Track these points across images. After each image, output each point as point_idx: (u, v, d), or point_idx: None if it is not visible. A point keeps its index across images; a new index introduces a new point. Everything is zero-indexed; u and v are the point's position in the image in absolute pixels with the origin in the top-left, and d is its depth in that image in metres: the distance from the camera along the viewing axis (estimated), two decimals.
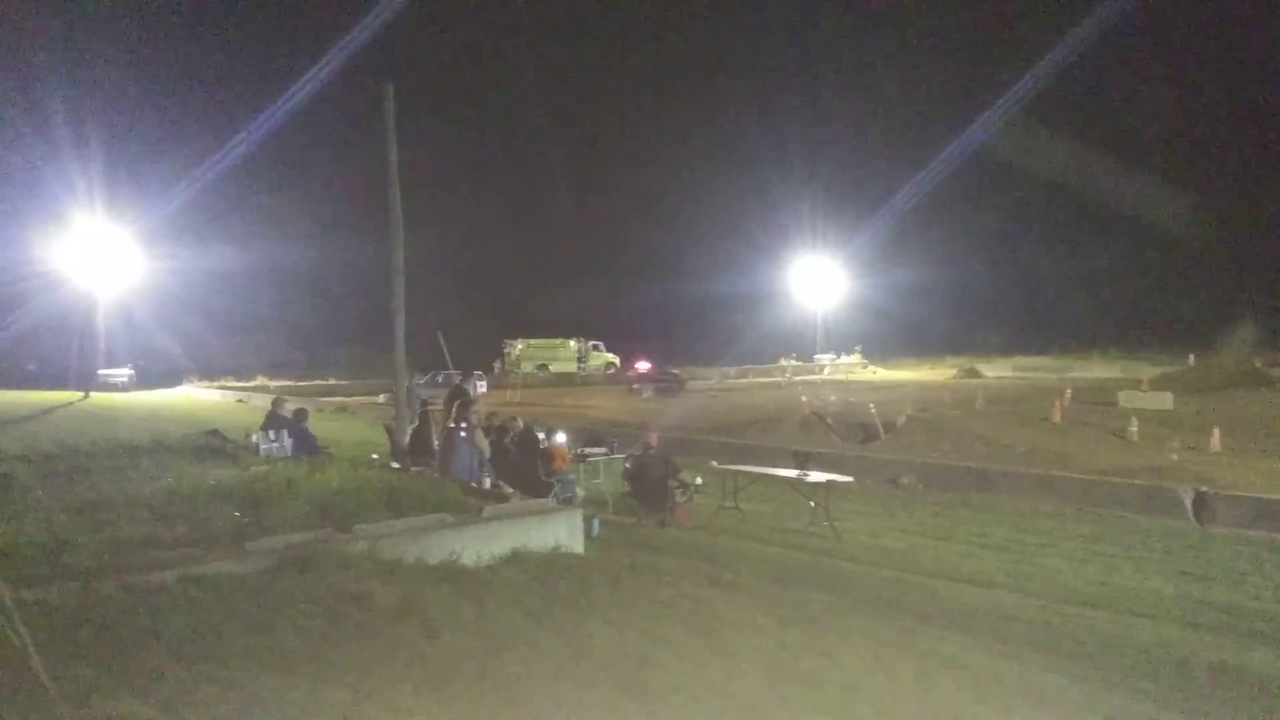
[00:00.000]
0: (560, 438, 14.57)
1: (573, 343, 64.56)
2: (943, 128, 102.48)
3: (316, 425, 17.45)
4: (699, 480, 13.68)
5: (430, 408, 15.26)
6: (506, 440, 13.36)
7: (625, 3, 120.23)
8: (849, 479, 14.30)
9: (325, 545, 7.26)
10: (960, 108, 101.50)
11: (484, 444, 11.93)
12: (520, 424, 14.17)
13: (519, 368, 60.85)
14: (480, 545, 8.50)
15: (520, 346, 63.62)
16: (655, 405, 37.80)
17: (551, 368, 62.17)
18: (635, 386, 45.84)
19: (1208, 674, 7.07)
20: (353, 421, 29.63)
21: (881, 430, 24.20)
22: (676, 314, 77.42)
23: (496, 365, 60.97)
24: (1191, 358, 53.18)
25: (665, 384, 44.88)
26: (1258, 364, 47.67)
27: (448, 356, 27.14)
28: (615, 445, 16.04)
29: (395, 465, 12.96)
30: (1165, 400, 30.90)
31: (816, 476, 13.53)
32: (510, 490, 11.07)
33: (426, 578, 7.24)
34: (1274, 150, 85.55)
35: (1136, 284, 79.89)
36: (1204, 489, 14.05)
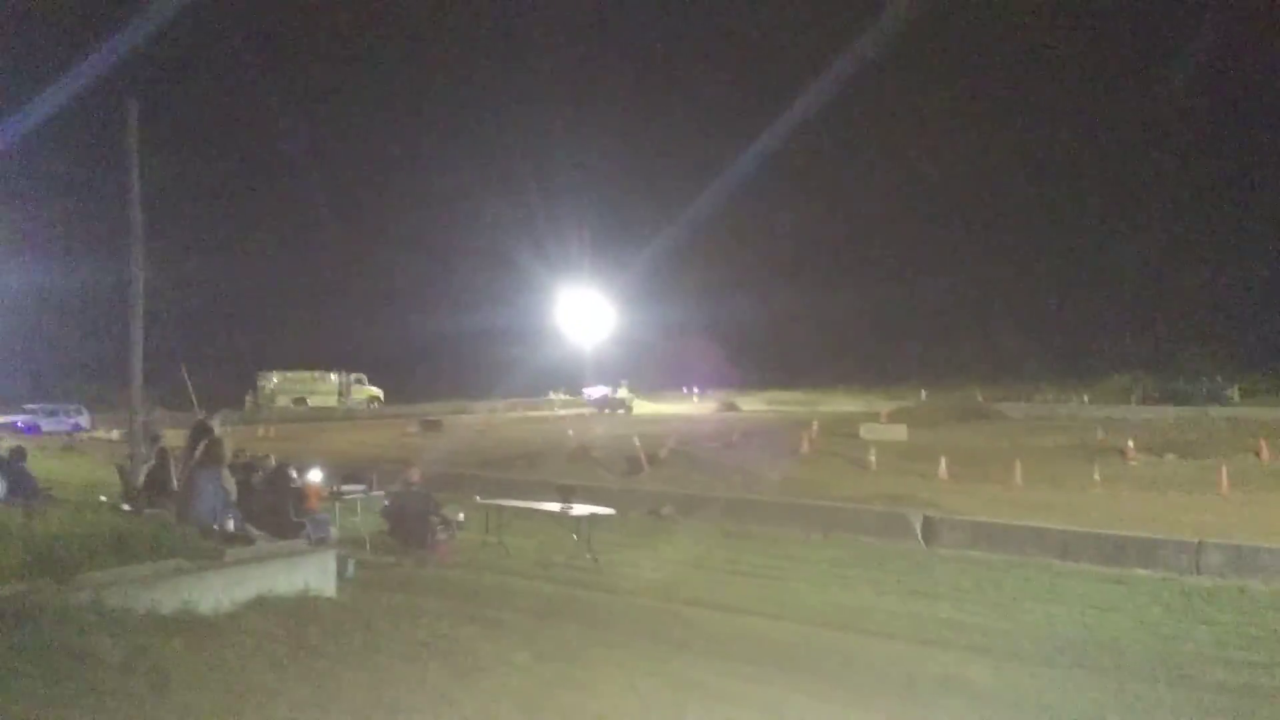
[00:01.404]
0: (314, 475, 13.95)
1: (334, 375, 62.09)
2: (705, 168, 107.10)
3: (38, 464, 15.85)
4: (461, 516, 13.47)
5: (169, 444, 14.23)
6: (255, 479, 12.65)
7: (392, 32, 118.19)
8: (611, 511, 14.50)
9: (41, 597, 6.60)
10: (721, 149, 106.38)
11: (230, 483, 11.22)
12: (272, 461, 13.46)
13: (274, 402, 57.82)
14: (221, 592, 7.99)
15: (276, 379, 60.49)
16: (420, 440, 36.97)
17: (310, 402, 59.49)
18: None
19: (933, 686, 7.65)
20: (80, 460, 27.13)
21: (645, 463, 24.77)
22: (444, 347, 76.16)
23: (249, 399, 57.60)
24: (923, 393, 58.03)
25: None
26: (980, 399, 52.66)
27: (191, 391, 25.41)
28: (374, 481, 15.53)
29: (127, 507, 11.97)
30: (900, 432, 33.47)
31: (580, 509, 13.64)
32: (257, 532, 10.47)
33: (159, 629, 6.73)
34: (1015, 201, 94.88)
35: (877, 322, 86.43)
36: (931, 514, 15.28)
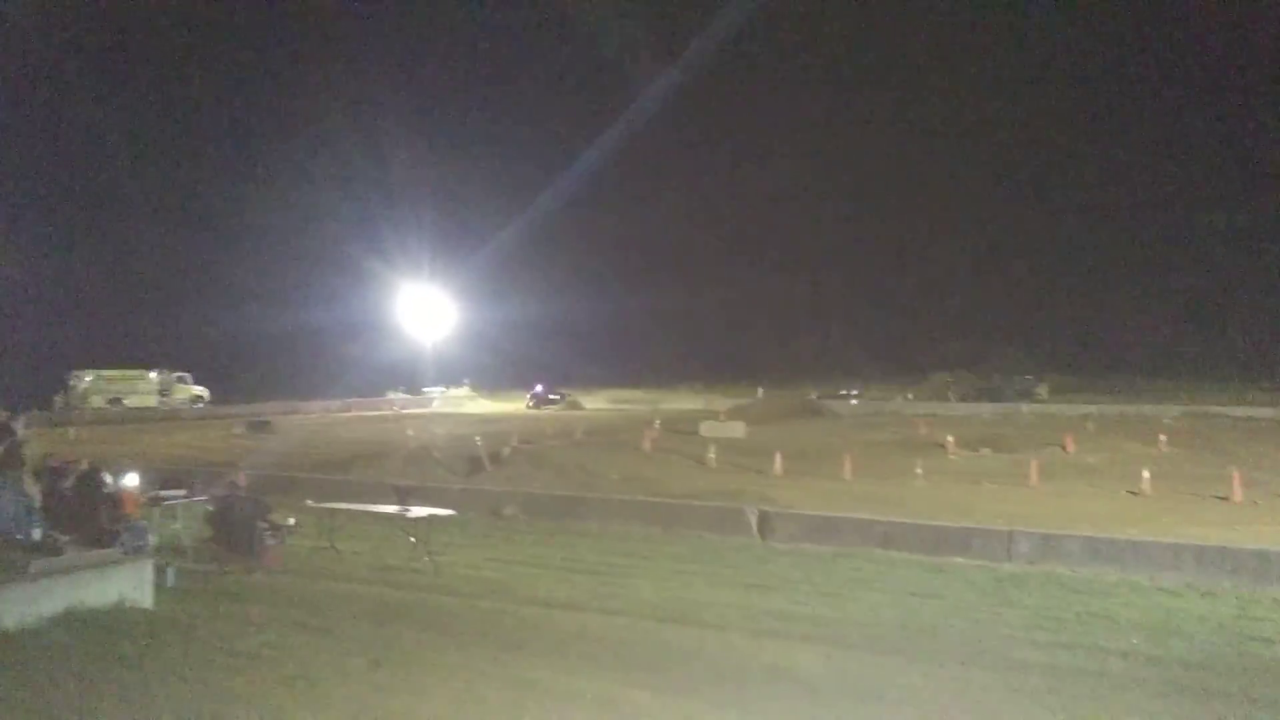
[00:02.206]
0: (130, 479, 13.15)
1: (154, 374, 58.61)
2: (548, 167, 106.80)
3: None
4: (292, 520, 12.97)
5: None
6: (64, 484, 11.83)
7: (227, 26, 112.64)
8: (451, 512, 14.29)
9: None
10: (562, 148, 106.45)
11: (34, 489, 10.47)
12: (84, 465, 12.62)
13: (86, 402, 54.15)
14: (25, 606, 7.48)
15: (89, 378, 56.61)
16: (249, 442, 35.41)
17: (128, 402, 55.96)
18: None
19: (765, 676, 7.88)
20: None
21: (487, 462, 24.52)
22: (276, 345, 73.17)
23: (58, 399, 53.75)
24: (761, 391, 59.69)
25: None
26: (813, 396, 54.59)
27: None
28: (197, 486, 14.78)
29: None
30: (738, 429, 34.29)
31: (418, 511, 13.38)
32: (67, 540, 9.82)
33: None
34: (845, 207, 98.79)
35: (717, 322, 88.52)
36: (767, 508, 15.74)
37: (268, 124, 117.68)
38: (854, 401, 53.21)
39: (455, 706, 6.43)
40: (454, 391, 68.10)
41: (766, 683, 7.64)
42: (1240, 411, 41.39)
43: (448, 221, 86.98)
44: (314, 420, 47.61)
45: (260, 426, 40.39)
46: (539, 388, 63.94)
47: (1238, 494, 18.22)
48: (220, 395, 60.29)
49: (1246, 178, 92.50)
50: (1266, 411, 41.33)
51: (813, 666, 8.15)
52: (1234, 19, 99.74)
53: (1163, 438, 29.02)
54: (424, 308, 72.99)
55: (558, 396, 62.34)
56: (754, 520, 15.19)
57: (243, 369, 67.84)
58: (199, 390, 60.22)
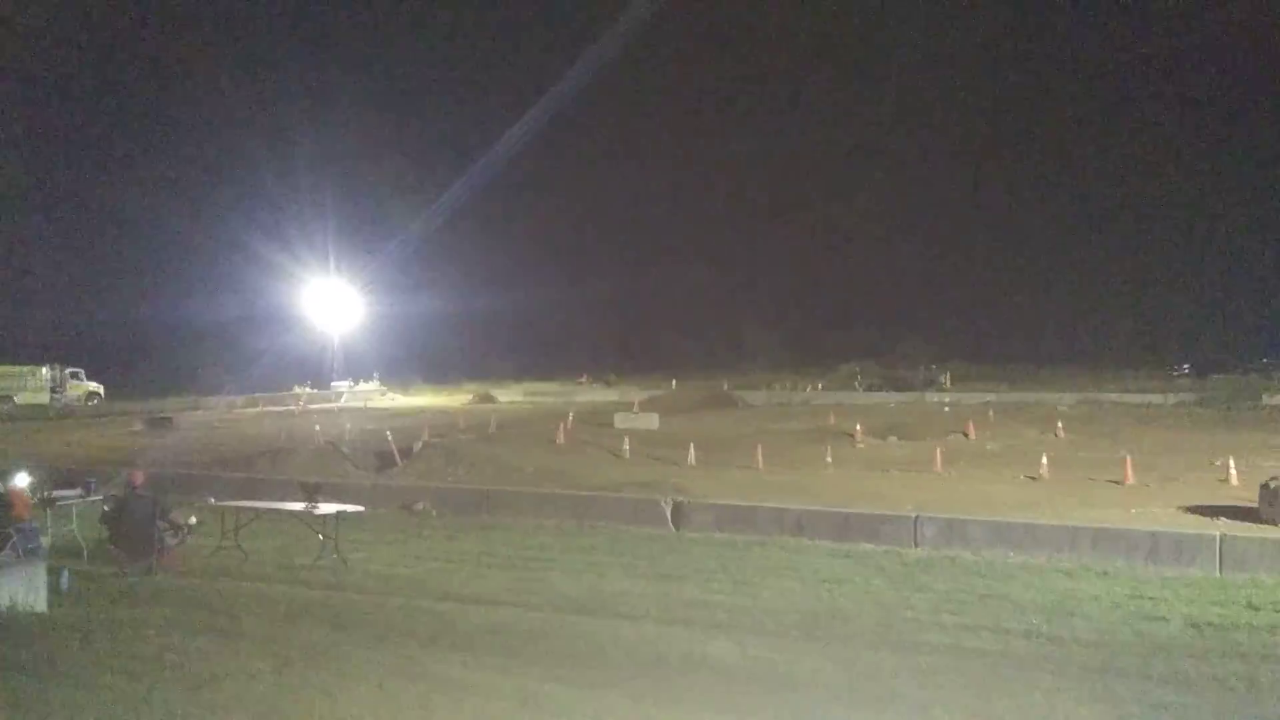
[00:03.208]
0: (21, 480, 12.56)
1: (45, 370, 56.19)
2: (457, 159, 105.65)
3: None
4: (193, 520, 12.57)
5: None
6: None
7: (114, 10, 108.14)
8: (361, 508, 14.03)
9: None
10: (477, 138, 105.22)
11: None
12: None
13: None
14: None
15: None
16: (147, 439, 34.20)
17: (18, 399, 53.56)
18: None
19: (680, 664, 7.93)
20: None
21: (398, 457, 24.12)
22: (176, 339, 70.69)
23: None
24: (674, 382, 60.05)
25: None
26: (725, 387, 55.14)
27: None
28: (93, 486, 14.20)
29: None
30: (652, 421, 34.45)
31: (326, 507, 13.11)
32: None
33: None
34: (751, 203, 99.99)
35: (630, 315, 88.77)
36: (680, 499, 15.84)
37: (164, 112, 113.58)
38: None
39: (367, 706, 6.31)
40: (363, 386, 66.79)
41: (682, 672, 7.68)
42: (1133, 398, 43.23)
43: (353, 214, 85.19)
44: (217, 416, 46.19)
45: (160, 423, 39.03)
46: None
47: (1130, 477, 18.99)
48: (117, 391, 58.11)
49: (1136, 173, 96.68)
50: (1157, 398, 43.28)
51: (727, 654, 8.24)
52: None
53: (1060, 424, 30.12)
54: (331, 301, 71.45)
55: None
56: (668, 511, 15.27)
57: (141, 364, 65.49)
58: (93, 386, 57.92)
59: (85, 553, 12.16)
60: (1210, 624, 9.12)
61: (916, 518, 13.62)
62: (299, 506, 13.31)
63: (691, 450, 23.89)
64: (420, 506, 17.06)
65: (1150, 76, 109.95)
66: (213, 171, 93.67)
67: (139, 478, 12.55)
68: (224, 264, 78.68)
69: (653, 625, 9.27)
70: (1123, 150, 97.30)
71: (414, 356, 73.29)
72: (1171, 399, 43.01)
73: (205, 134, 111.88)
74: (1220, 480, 18.68)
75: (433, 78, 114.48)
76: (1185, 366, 60.84)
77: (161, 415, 41.50)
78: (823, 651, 8.36)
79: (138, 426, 38.94)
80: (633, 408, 40.28)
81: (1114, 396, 44.04)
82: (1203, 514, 15.23)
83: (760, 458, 22.80)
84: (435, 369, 71.70)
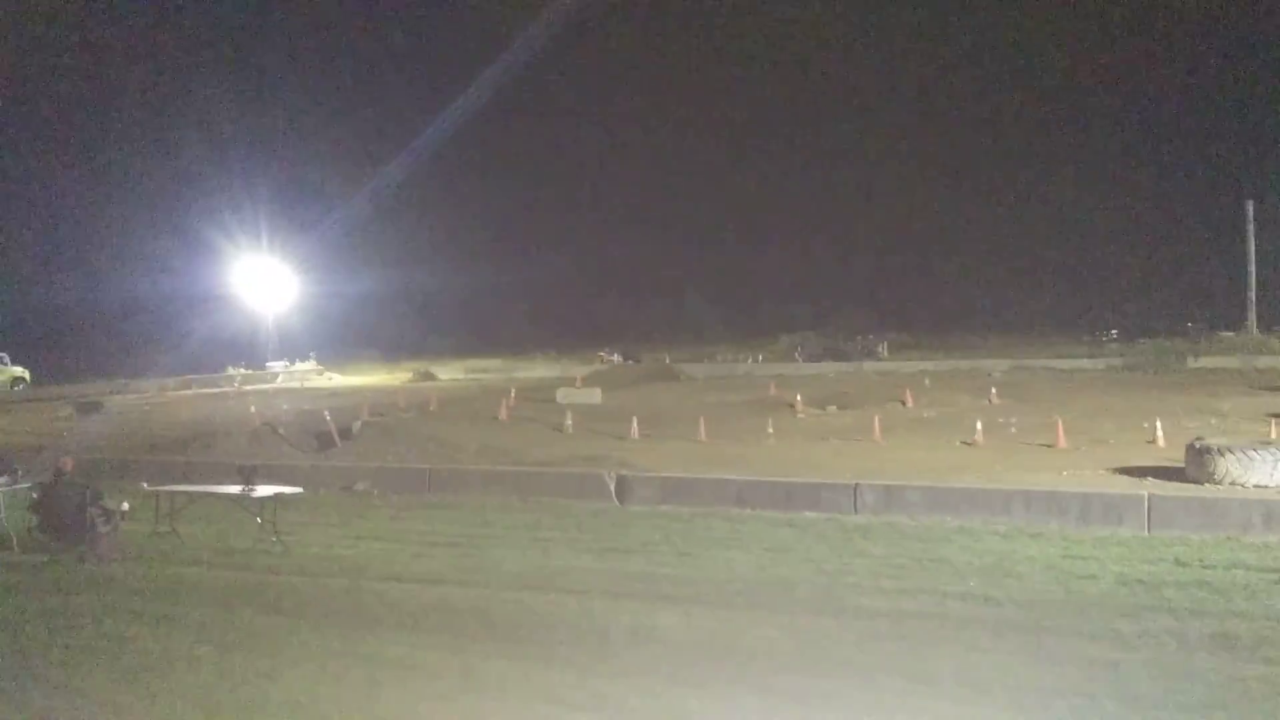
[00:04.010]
0: None
1: None
2: (392, 136, 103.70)
3: None
4: (126, 505, 12.26)
5: None
6: None
7: None
8: (299, 490, 13.82)
9: None
10: (415, 113, 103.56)
11: None
12: None
13: None
14: None
15: None
16: (76, 424, 33.29)
17: None
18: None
19: (625, 637, 7.97)
20: None
21: (337, 437, 23.78)
22: (101, 320, 68.68)
23: None
24: (618, 356, 60.07)
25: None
26: (668, 360, 55.32)
27: None
28: (20, 473, 13.79)
29: None
30: (595, 395, 34.39)
31: (264, 490, 12.88)
32: None
33: None
34: (691, 178, 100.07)
35: (570, 289, 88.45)
36: (624, 472, 15.87)
37: (87, 87, 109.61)
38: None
39: (309, 688, 6.24)
40: (299, 366, 65.67)
41: (628, 645, 7.72)
42: (1064, 364, 44.24)
43: (286, 191, 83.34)
44: (149, 399, 45.13)
45: (89, 407, 37.96)
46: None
47: (1061, 441, 19.47)
48: (42, 376, 56.41)
49: (1064, 141, 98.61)
50: (1086, 364, 44.35)
51: (673, 626, 8.30)
52: None
53: (993, 391, 30.74)
54: (264, 279, 69.98)
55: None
56: (612, 485, 15.29)
57: (67, 347, 63.56)
58: (19, 371, 56.16)
59: (15, 541, 11.83)
60: (1140, 581, 9.40)
61: (856, 485, 13.81)
62: (235, 490, 13.07)
63: (634, 424, 23.94)
64: (361, 487, 16.88)
65: (1069, 41, 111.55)
66: (139, 147, 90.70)
67: (69, 463, 12.23)
68: (151, 242, 76.39)
69: (598, 599, 9.29)
70: (1047, 116, 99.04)
71: (351, 335, 72.24)
72: (1100, 364, 44.08)
73: (130, 109, 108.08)
74: (1148, 442, 19.20)
75: (369, 50, 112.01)
76: (1113, 332, 62.36)
77: (91, 399, 40.39)
78: (768, 620, 8.46)
79: (66, 411, 37.87)
80: (575, 382, 40.19)
81: (1045, 362, 45.00)
82: (1132, 474, 15.67)
83: (703, 430, 22.93)
84: (374, 347, 70.72)
